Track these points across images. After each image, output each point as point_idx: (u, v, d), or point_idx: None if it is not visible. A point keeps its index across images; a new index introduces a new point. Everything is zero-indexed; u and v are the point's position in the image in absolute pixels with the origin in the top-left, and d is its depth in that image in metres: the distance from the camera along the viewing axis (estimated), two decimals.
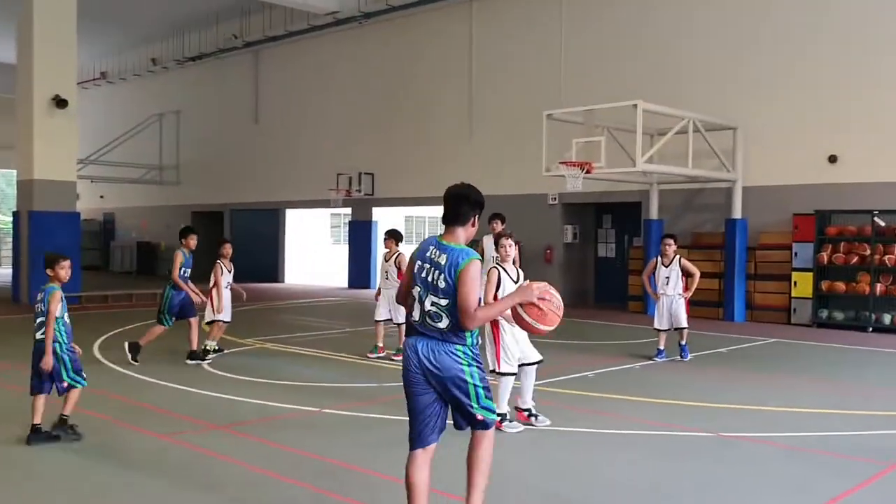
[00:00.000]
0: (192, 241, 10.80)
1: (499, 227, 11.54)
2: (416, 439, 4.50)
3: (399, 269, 11.55)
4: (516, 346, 7.33)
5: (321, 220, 29.82)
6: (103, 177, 31.79)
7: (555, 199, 20.39)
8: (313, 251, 29.31)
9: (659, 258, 11.49)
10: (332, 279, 27.25)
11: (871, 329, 15.08)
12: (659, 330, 11.41)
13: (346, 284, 25.84)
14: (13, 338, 13.48)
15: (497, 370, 7.26)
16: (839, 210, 15.97)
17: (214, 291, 11.14)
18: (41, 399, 6.76)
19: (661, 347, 11.40)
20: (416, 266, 4.56)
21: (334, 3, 24.34)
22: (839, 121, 16.15)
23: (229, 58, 29.20)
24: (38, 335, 6.72)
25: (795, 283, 16.15)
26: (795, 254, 16.18)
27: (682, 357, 11.32)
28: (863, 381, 10.29)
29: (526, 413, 7.47)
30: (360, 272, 25.47)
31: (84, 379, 6.90)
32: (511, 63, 21.49)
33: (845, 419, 8.01)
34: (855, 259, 15.47)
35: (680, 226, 17.95)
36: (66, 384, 6.76)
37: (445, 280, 4.42)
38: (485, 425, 4.56)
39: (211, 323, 11.19)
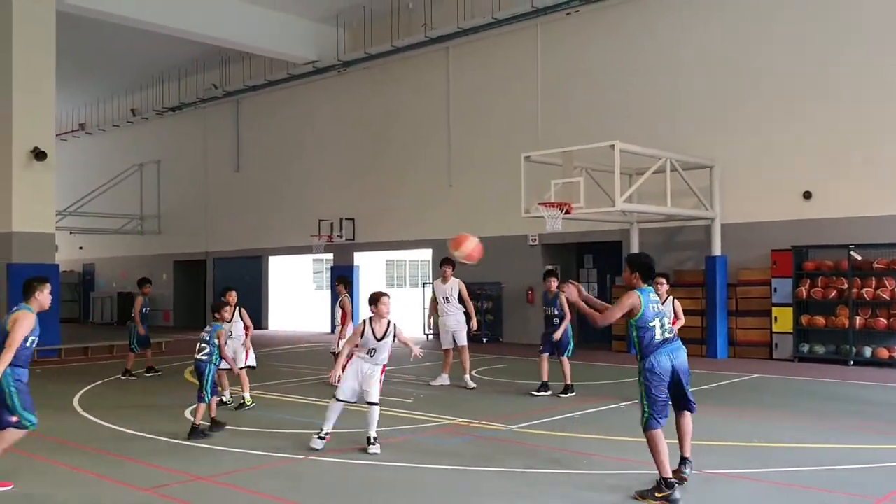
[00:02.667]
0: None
1: (449, 272, 13.16)
2: (664, 418, 6.61)
3: (344, 311, 13.31)
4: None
5: (304, 266, 29.77)
6: (83, 228, 31.64)
7: (535, 240, 20.50)
8: (296, 297, 29.23)
9: None
10: (315, 324, 27.14)
11: (852, 362, 15.18)
12: None
13: (329, 329, 25.74)
14: None
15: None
16: (816, 245, 16.15)
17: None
18: (202, 407, 9.03)
19: None
20: (651, 307, 6.69)
21: (313, 53, 24.62)
22: (813, 158, 16.41)
23: (210, 107, 29.36)
24: (199, 356, 9.18)
25: (776, 318, 16.26)
26: (775, 289, 16.31)
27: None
28: (846, 415, 10.32)
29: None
30: None
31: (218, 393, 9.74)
32: (489, 106, 21.74)
33: (830, 454, 8.04)
34: (833, 293, 15.61)
35: (661, 264, 18.04)
36: (205, 394, 9.07)
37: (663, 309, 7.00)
38: (692, 407, 6.89)
39: None
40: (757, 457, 7.93)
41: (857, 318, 15.32)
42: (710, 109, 17.80)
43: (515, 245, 20.80)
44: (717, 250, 17.09)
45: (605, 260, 20.55)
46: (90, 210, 31.10)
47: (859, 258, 15.46)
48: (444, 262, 13.16)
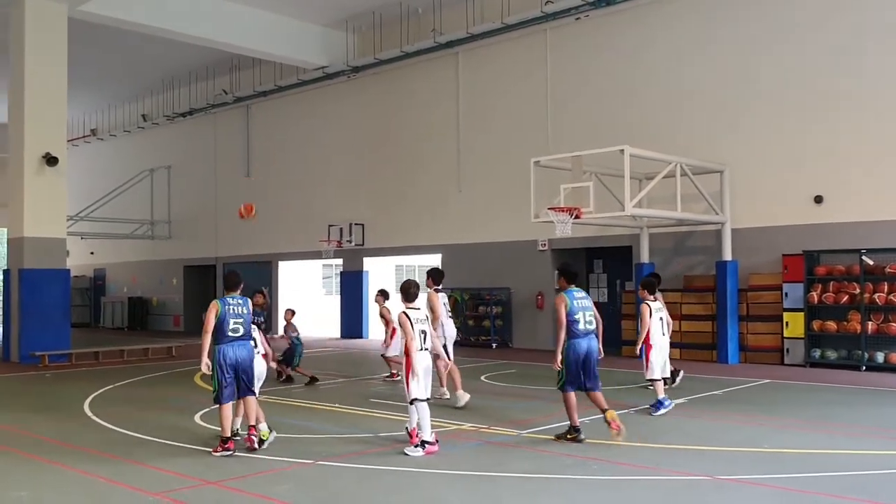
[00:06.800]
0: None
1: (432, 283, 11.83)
2: (574, 386, 8.73)
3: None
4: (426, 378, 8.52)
5: (313, 272, 29.83)
6: (94, 233, 31.81)
7: (544, 245, 20.48)
8: (305, 302, 29.30)
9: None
10: (324, 329, 27.19)
11: (864, 368, 15.09)
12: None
13: (338, 335, 25.79)
14: (7, 397, 13.40)
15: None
16: (827, 250, 16.07)
17: None
18: None
19: (660, 397, 10.63)
20: (576, 303, 8.69)
21: (323, 58, 24.68)
22: (823, 162, 16.34)
23: (220, 113, 29.47)
24: None
25: (787, 323, 16.19)
26: (786, 294, 16.24)
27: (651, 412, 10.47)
28: (856, 421, 10.27)
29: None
30: (352, 322, 25.47)
31: None
32: (498, 111, 21.75)
33: (839, 459, 8.00)
34: (845, 298, 15.53)
35: (671, 269, 18.04)
36: None
37: (590, 303, 8.95)
38: (597, 386, 8.94)
39: None
40: (767, 462, 7.90)
41: (870, 322, 15.22)
42: (721, 113, 17.75)
43: (525, 250, 20.79)
44: (727, 255, 17.02)
45: (615, 264, 20.50)
46: (101, 215, 31.22)
47: (871, 262, 15.37)
48: (432, 274, 11.97)
